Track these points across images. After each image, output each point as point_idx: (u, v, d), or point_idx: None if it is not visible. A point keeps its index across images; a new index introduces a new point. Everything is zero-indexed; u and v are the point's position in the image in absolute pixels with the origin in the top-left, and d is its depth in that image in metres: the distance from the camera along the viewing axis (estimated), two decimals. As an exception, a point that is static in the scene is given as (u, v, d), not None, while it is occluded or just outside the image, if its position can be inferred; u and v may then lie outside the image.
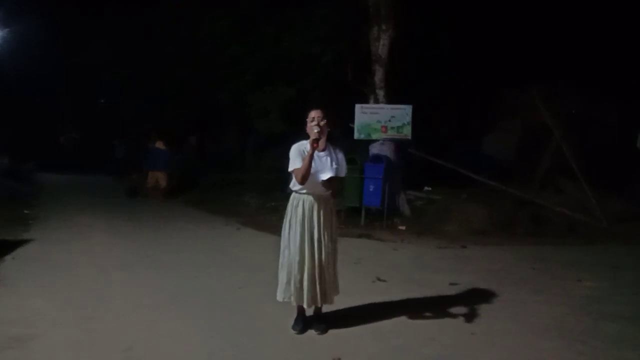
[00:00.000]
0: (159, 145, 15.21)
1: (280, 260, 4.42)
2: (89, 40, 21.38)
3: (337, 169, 4.34)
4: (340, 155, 4.45)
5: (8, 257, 6.72)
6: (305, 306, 4.39)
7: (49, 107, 25.99)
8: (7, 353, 3.81)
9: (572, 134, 11.29)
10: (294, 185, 4.40)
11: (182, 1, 16.64)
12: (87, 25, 21.32)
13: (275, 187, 12.83)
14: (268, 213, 11.58)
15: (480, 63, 13.09)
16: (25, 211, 10.87)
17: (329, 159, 4.35)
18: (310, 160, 4.19)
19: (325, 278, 4.34)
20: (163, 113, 19.13)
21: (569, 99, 12.05)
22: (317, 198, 4.34)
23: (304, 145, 4.32)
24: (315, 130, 4.22)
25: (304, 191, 4.35)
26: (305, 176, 4.22)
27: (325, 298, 4.39)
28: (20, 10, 20.85)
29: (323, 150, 4.37)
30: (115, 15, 19.76)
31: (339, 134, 4.67)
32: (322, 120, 4.29)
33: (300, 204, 4.34)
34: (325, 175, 4.27)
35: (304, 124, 4.35)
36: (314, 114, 4.33)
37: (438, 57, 12.90)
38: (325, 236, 4.33)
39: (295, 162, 4.30)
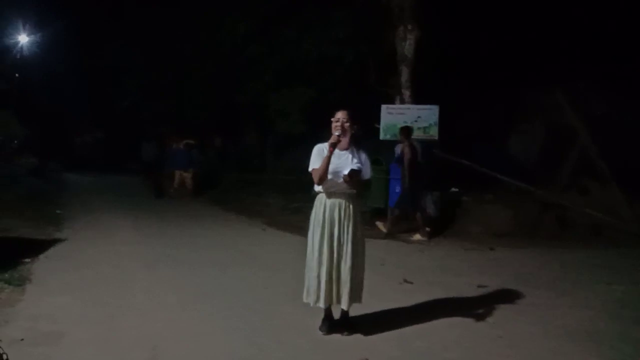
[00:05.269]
0: (190, 144, 15.43)
1: (306, 262, 4.44)
2: (108, 42, 21.63)
3: (358, 165, 4.33)
4: (364, 156, 4.44)
5: (42, 256, 6.86)
6: (322, 306, 4.34)
7: (71, 108, 26.37)
8: (39, 349, 3.90)
9: (595, 136, 11.08)
10: (317, 185, 4.42)
11: (202, 3, 16.79)
12: (106, 27, 21.55)
13: (296, 188, 12.85)
14: (292, 214, 11.62)
15: (503, 63, 12.91)
16: (57, 211, 11.09)
17: (350, 156, 4.35)
18: (328, 162, 4.24)
19: (343, 278, 4.27)
20: (182, 113, 19.33)
21: (590, 101, 11.82)
22: (340, 197, 4.33)
23: (325, 146, 4.33)
24: (336, 134, 4.25)
25: (327, 190, 4.35)
26: (322, 177, 4.29)
27: (346, 299, 4.28)
28: (42, 15, 21.33)
29: (345, 149, 4.37)
30: (134, 17, 19.95)
31: (361, 135, 4.65)
32: (346, 122, 4.32)
33: (322, 204, 4.36)
34: (347, 170, 4.27)
35: (325, 124, 4.35)
36: (339, 114, 4.36)
37: (461, 58, 12.78)
38: (346, 235, 4.29)
39: (314, 163, 4.35)
